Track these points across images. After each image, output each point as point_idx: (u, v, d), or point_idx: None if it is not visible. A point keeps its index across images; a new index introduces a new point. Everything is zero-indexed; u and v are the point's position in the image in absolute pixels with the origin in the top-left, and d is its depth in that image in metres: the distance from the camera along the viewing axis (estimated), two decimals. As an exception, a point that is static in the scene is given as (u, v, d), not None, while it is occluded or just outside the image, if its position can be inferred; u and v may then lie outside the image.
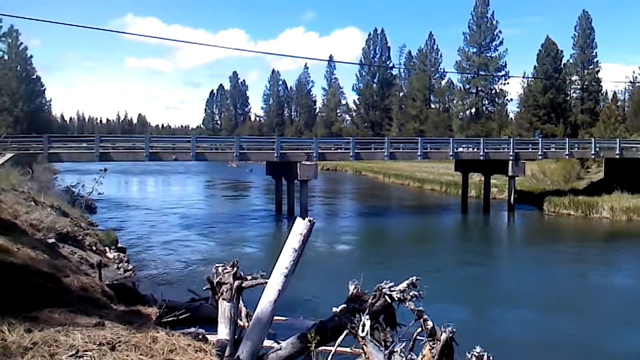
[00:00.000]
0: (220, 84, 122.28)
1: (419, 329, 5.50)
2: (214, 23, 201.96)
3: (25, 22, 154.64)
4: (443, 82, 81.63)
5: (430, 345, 5.17)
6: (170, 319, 7.96)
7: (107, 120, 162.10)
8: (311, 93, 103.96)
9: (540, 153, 34.79)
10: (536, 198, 34.98)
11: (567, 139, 40.11)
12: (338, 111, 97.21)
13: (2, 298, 5.01)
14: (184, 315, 8.11)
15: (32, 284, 6.22)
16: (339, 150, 34.66)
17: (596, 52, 66.15)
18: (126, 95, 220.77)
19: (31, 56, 69.83)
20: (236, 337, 6.53)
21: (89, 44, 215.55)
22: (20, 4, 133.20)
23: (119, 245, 19.36)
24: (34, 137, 29.50)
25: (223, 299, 6.68)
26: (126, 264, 16.34)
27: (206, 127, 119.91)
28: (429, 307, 5.78)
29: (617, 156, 35.80)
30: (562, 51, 65.90)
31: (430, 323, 5.26)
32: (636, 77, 62.11)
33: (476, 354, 5.37)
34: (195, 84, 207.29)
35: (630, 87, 64.87)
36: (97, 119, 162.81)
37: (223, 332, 6.43)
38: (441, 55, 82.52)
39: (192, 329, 6.49)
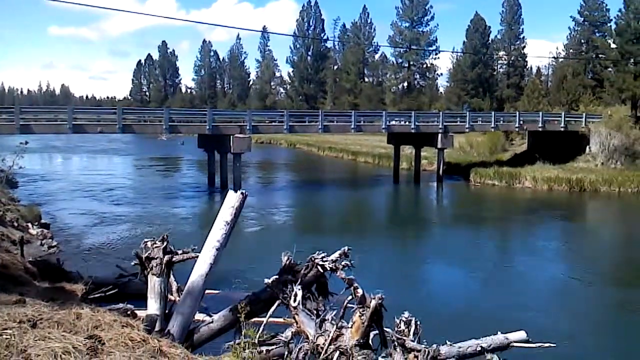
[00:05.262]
0: (149, 54, 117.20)
1: (350, 297, 5.61)
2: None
3: None
4: (377, 56, 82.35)
5: (360, 312, 5.29)
6: (98, 295, 7.76)
7: (29, 91, 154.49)
8: (245, 65, 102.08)
9: (467, 126, 35.92)
10: (463, 169, 36.25)
11: (493, 112, 41.56)
12: (272, 84, 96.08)
13: None
14: (112, 292, 7.93)
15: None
16: (273, 123, 34.46)
17: (522, 29, 68.40)
18: (49, 65, 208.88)
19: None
20: (167, 311, 6.44)
21: (8, 10, 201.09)
22: None
23: (43, 221, 18.66)
24: (-55, 108, 27.48)
25: (152, 274, 6.55)
26: (50, 240, 15.79)
27: (134, 99, 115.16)
28: (359, 276, 5.89)
29: (540, 129, 37.52)
30: (490, 27, 67.80)
31: (360, 291, 5.38)
32: (559, 53, 65.10)
33: (404, 319, 5.56)
34: (123, 54, 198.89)
35: (554, 63, 67.93)
36: (17, 89, 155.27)
37: (153, 307, 6.32)
38: (375, 29, 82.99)
39: (120, 305, 6.35)
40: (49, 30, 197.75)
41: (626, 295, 13.72)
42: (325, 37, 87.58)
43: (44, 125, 27.61)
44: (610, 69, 49.67)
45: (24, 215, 17.69)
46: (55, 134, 34.20)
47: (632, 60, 41.66)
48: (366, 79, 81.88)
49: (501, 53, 69.57)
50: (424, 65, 74.51)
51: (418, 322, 5.60)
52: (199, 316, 6.71)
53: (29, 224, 16.97)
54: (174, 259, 6.76)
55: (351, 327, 5.35)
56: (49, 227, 17.94)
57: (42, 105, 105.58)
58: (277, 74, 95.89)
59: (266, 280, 6.09)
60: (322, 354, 5.33)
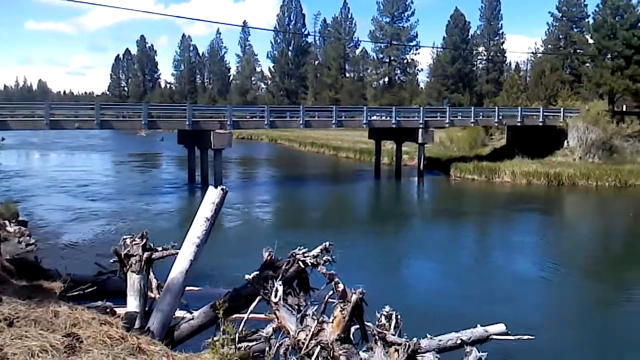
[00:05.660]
0: (127, 49, 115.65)
1: (331, 292, 5.62)
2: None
3: None
4: (357, 51, 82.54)
5: (341, 307, 5.30)
6: (76, 293, 7.67)
7: (5, 86, 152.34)
8: (225, 60, 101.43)
9: (447, 121, 36.17)
10: (444, 164, 36.48)
11: (472, 107, 41.92)
12: (253, 79, 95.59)
13: None
14: (91, 289, 7.85)
15: None
16: (253, 119, 34.30)
17: (502, 24, 69.36)
18: (26, 60, 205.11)
19: None
20: (147, 309, 6.39)
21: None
22: None
23: (20, 218, 18.35)
24: None
25: (132, 271, 6.50)
26: (28, 237, 15.57)
27: (112, 94, 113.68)
28: (340, 271, 5.90)
29: (519, 124, 37.96)
30: (469, 22, 68.45)
31: (341, 285, 5.38)
32: (538, 48, 65.93)
33: (385, 313, 5.59)
34: (101, 49, 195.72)
35: (532, 58, 68.74)
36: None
37: (132, 304, 6.27)
38: (355, 25, 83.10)
39: (99, 303, 6.30)
40: (26, 25, 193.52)
41: (602, 288, 13.96)
42: (306, 32, 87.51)
43: (20, 122, 27.08)
44: (587, 64, 50.32)
45: (1, 213, 17.34)
46: (32, 130, 33.69)
47: (609, 56, 42.29)
48: (347, 74, 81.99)
49: (480, 48, 70.32)
50: (405, 61, 74.97)
51: (399, 316, 5.64)
52: (179, 313, 6.67)
53: (6, 222, 16.64)
54: (153, 256, 6.71)
55: (332, 322, 5.36)
56: (26, 225, 17.66)
57: (19, 101, 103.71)
58: (258, 69, 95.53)
59: (247, 276, 6.06)
60: (303, 349, 5.34)
